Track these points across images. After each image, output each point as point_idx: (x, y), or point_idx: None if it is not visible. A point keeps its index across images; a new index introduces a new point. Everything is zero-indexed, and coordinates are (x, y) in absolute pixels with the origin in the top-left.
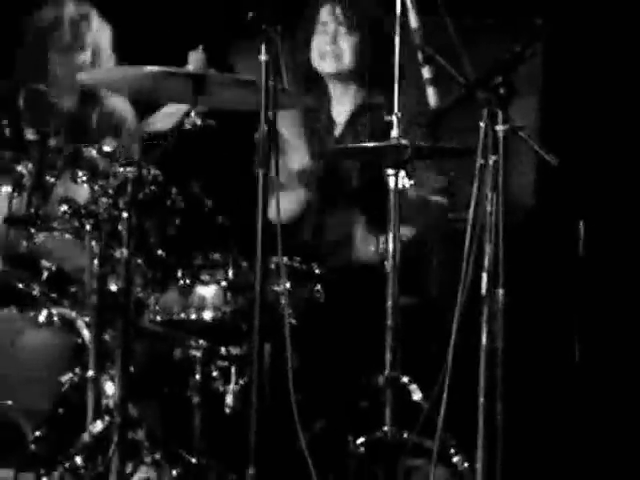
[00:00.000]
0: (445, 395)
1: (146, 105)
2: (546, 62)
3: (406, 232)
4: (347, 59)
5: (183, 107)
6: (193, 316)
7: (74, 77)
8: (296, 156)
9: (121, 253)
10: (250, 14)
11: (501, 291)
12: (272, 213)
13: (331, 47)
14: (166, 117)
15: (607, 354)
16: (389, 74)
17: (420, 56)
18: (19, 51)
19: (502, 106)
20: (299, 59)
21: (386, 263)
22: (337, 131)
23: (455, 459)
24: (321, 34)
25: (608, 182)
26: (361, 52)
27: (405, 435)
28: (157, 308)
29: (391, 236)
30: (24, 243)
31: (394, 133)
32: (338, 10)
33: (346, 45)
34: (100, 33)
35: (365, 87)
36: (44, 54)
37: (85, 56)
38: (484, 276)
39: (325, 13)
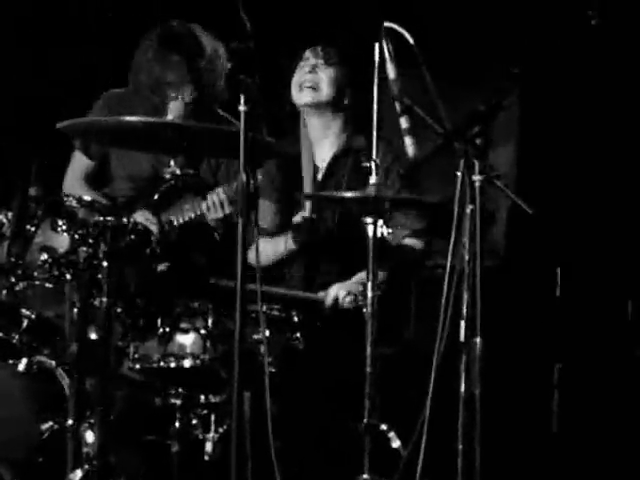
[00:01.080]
0: (424, 441)
1: None
2: (523, 111)
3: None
4: (325, 90)
5: None
6: (173, 364)
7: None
8: (270, 207)
9: (101, 302)
10: (229, 64)
11: (479, 339)
12: (251, 258)
13: (309, 76)
14: None
15: (585, 399)
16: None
17: (398, 106)
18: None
19: (479, 156)
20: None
21: (364, 311)
22: (319, 174)
23: None
24: (301, 68)
25: (584, 228)
26: (339, 86)
27: None
28: (137, 356)
29: (369, 284)
30: (4, 292)
31: (372, 180)
32: (319, 47)
33: (324, 76)
34: (215, 53)
35: (347, 129)
36: (168, 58)
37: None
38: (462, 324)
39: (307, 52)
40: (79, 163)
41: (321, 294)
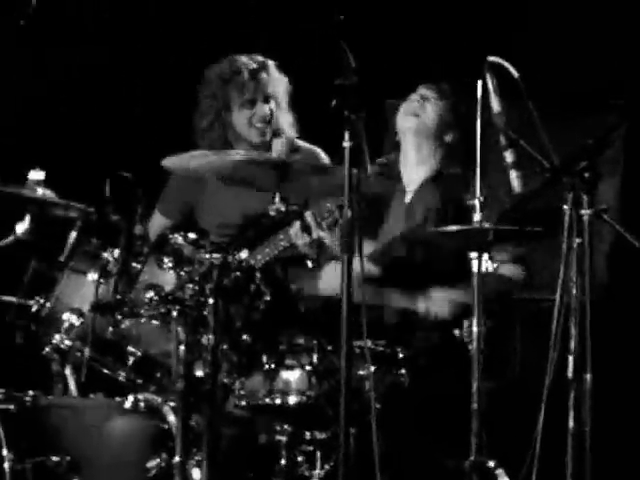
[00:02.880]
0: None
1: None
2: (627, 143)
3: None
4: (428, 120)
5: None
6: (278, 401)
7: (255, 131)
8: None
9: (207, 339)
10: (334, 101)
11: (589, 376)
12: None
13: (416, 105)
14: None
15: None
16: (467, 149)
17: (503, 140)
18: (199, 105)
19: (587, 190)
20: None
21: (470, 346)
22: (407, 198)
23: None
24: (409, 98)
25: None
26: (444, 118)
27: None
28: (242, 393)
29: (475, 320)
30: (110, 329)
31: (476, 217)
32: (429, 84)
33: (430, 107)
34: (278, 84)
35: (442, 156)
36: (226, 106)
37: (268, 107)
38: (570, 359)
39: (420, 87)
40: (158, 223)
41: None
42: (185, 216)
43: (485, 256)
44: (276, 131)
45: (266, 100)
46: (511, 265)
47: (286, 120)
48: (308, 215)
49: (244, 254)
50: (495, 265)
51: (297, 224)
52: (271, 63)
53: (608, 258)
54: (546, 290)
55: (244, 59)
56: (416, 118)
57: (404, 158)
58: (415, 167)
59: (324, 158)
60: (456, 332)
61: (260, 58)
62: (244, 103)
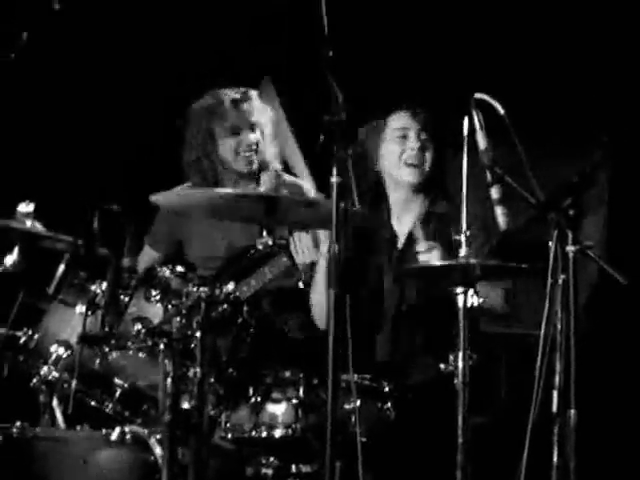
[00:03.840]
0: None
1: None
2: (612, 178)
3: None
4: (428, 167)
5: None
6: (264, 434)
7: (242, 160)
8: None
9: (194, 372)
10: (321, 137)
11: (573, 411)
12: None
13: (418, 152)
14: None
15: None
16: (451, 184)
17: (489, 176)
18: (185, 141)
19: (572, 227)
20: (363, 171)
21: (456, 380)
22: (399, 243)
23: None
24: (400, 139)
25: None
26: (437, 163)
27: None
28: (229, 426)
29: (460, 354)
30: (97, 361)
31: (462, 252)
32: (420, 116)
33: (429, 154)
34: (263, 113)
35: (429, 196)
36: (211, 138)
37: (254, 136)
38: (555, 394)
39: (403, 118)
40: (148, 256)
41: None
42: (174, 249)
43: (471, 291)
44: (262, 163)
45: (251, 128)
46: (491, 291)
47: (271, 151)
48: (307, 237)
49: (231, 287)
50: (481, 300)
51: (285, 253)
52: (254, 93)
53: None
54: (531, 325)
55: (226, 90)
56: (418, 170)
57: (395, 201)
58: (403, 211)
59: (309, 190)
60: (442, 366)
61: (243, 89)
62: (228, 132)
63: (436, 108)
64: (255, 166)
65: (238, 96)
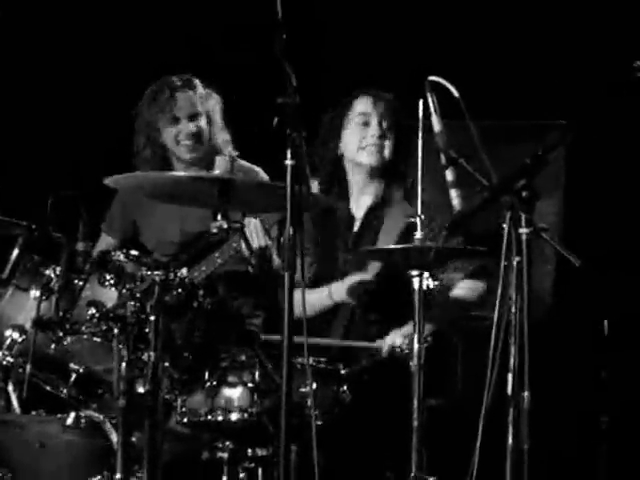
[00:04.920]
0: None
1: None
2: (569, 161)
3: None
4: (387, 153)
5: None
6: (220, 418)
7: (182, 148)
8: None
9: (148, 356)
10: (275, 119)
11: (526, 393)
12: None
13: (377, 140)
14: None
15: (633, 452)
16: (406, 170)
17: (443, 159)
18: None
19: (525, 209)
20: (325, 153)
21: (411, 363)
22: (355, 226)
23: None
24: (362, 125)
25: (632, 280)
26: (396, 149)
27: None
28: (184, 410)
29: (416, 336)
30: (52, 346)
31: (418, 235)
32: (382, 103)
33: (389, 140)
34: (208, 100)
35: (384, 181)
36: (154, 125)
37: (194, 125)
38: (509, 377)
39: (365, 104)
40: (104, 242)
41: (379, 342)
42: (129, 234)
43: (426, 274)
44: (214, 148)
45: (192, 118)
46: (468, 281)
47: (221, 137)
48: (256, 222)
49: (184, 271)
50: (436, 283)
51: (237, 236)
52: (197, 81)
53: (555, 277)
54: (488, 308)
55: (171, 78)
56: (379, 155)
57: (354, 184)
58: (360, 195)
59: (264, 177)
60: (397, 349)
61: (187, 76)
62: (168, 121)
63: (395, 91)
64: (198, 154)
65: (179, 84)
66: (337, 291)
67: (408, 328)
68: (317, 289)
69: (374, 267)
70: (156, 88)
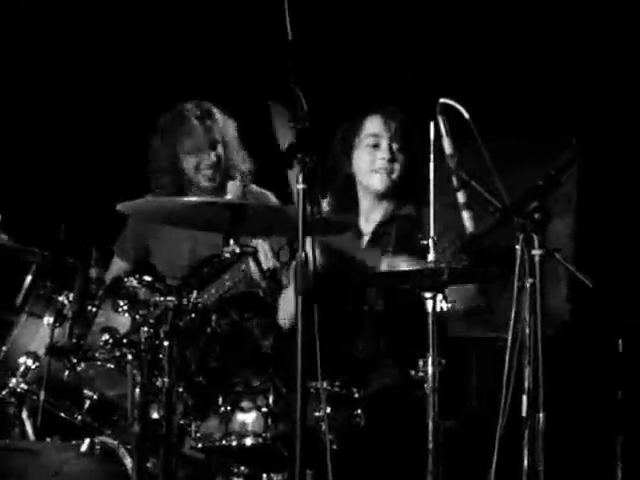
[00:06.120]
0: None
1: None
2: (580, 182)
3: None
4: (396, 175)
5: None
6: (234, 443)
7: (202, 177)
8: None
9: (162, 382)
10: (287, 144)
11: (542, 414)
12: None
13: (387, 163)
14: None
15: None
16: (418, 187)
17: (455, 181)
18: (151, 152)
19: (538, 231)
20: (336, 173)
21: (426, 385)
22: (363, 243)
23: None
24: (372, 147)
25: None
26: (406, 171)
27: None
28: (198, 435)
29: (430, 359)
30: (66, 373)
31: (430, 257)
32: (392, 124)
33: (400, 162)
34: (225, 127)
35: (394, 201)
36: (174, 152)
37: (214, 154)
38: (524, 398)
39: (375, 125)
40: (117, 266)
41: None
42: (142, 257)
43: (439, 296)
44: (229, 172)
45: (212, 146)
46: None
47: (239, 158)
48: (264, 244)
49: (194, 295)
50: (449, 305)
51: (247, 259)
52: (216, 109)
53: (568, 297)
54: (502, 329)
55: (190, 106)
56: (388, 177)
57: (363, 202)
58: (370, 213)
59: (275, 201)
60: (412, 372)
61: (206, 104)
62: (190, 150)
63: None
64: (216, 182)
65: (199, 113)
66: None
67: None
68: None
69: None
70: (178, 116)
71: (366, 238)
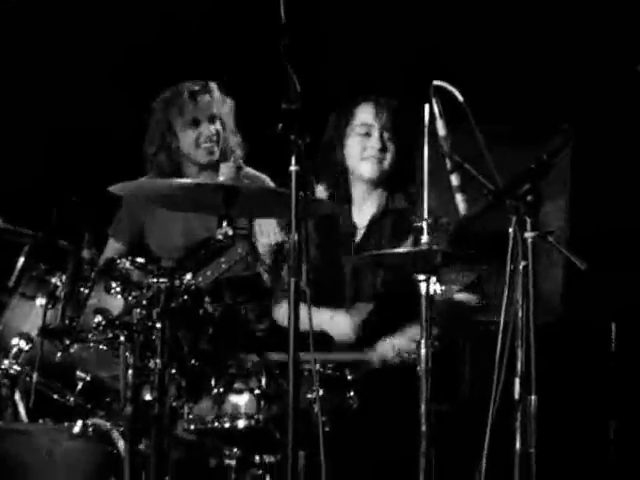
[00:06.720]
0: None
1: None
2: (574, 164)
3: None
4: (387, 164)
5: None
6: (227, 424)
7: (202, 151)
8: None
9: (155, 363)
10: (279, 125)
11: (534, 397)
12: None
13: (378, 152)
14: None
15: None
16: (412, 178)
17: (448, 164)
18: (147, 133)
19: (530, 213)
20: (329, 160)
21: (418, 368)
22: (358, 236)
23: None
24: (363, 136)
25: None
26: (398, 160)
27: None
28: (191, 417)
29: (423, 342)
30: (59, 354)
31: (424, 239)
32: (384, 114)
33: (390, 151)
34: (223, 104)
35: (387, 190)
36: (170, 130)
37: (214, 127)
38: (517, 381)
39: (367, 114)
40: (111, 248)
41: (370, 354)
42: (137, 238)
43: (433, 279)
44: (224, 153)
45: (211, 120)
46: (465, 294)
47: (233, 141)
48: (270, 220)
49: (188, 277)
50: (442, 288)
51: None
52: (214, 85)
53: (563, 281)
54: (495, 312)
55: (186, 83)
56: (379, 165)
57: (355, 192)
58: (363, 204)
59: (270, 184)
60: (405, 355)
61: (202, 81)
62: (187, 124)
63: (399, 95)
64: (216, 156)
65: (197, 88)
66: (340, 324)
67: (402, 336)
68: (321, 309)
69: (367, 307)
70: (173, 93)
71: (360, 232)
